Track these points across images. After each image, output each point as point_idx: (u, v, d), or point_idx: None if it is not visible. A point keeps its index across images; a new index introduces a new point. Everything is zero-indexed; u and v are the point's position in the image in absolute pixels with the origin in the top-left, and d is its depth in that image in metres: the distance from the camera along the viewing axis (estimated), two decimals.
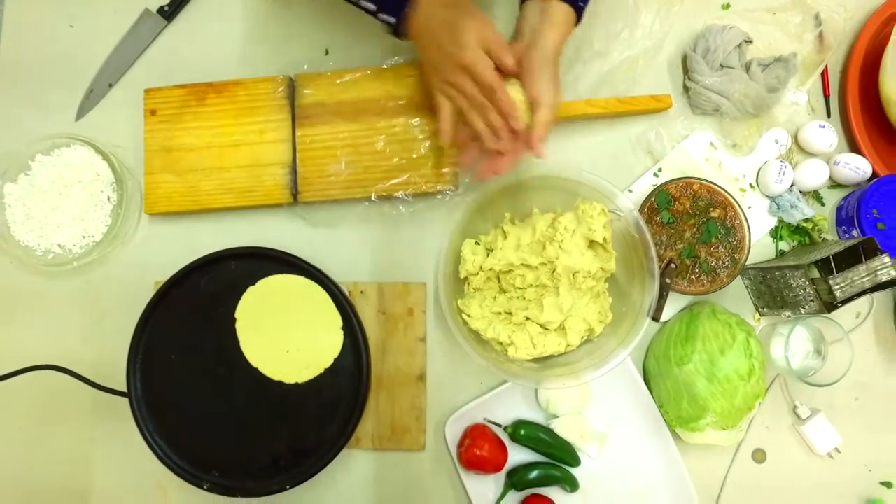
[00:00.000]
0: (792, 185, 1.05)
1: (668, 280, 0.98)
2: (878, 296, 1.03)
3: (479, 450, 0.96)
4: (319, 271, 0.96)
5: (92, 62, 1.08)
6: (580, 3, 0.90)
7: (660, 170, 1.06)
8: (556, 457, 0.99)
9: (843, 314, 0.95)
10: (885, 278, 0.91)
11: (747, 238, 1.00)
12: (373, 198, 1.01)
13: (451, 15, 0.84)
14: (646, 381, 1.01)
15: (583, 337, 0.98)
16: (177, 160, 1.04)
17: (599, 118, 1.07)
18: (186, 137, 1.04)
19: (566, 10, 0.89)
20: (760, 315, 1.04)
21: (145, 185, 1.04)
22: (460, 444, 0.98)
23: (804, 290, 0.95)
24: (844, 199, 1.06)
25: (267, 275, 0.96)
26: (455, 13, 0.84)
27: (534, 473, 0.98)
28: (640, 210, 1.00)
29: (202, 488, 0.92)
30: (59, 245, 1.03)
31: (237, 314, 0.96)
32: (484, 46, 0.84)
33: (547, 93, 0.86)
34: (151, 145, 1.04)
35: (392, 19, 0.87)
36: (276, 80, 1.04)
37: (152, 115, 1.04)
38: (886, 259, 0.91)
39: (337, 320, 0.95)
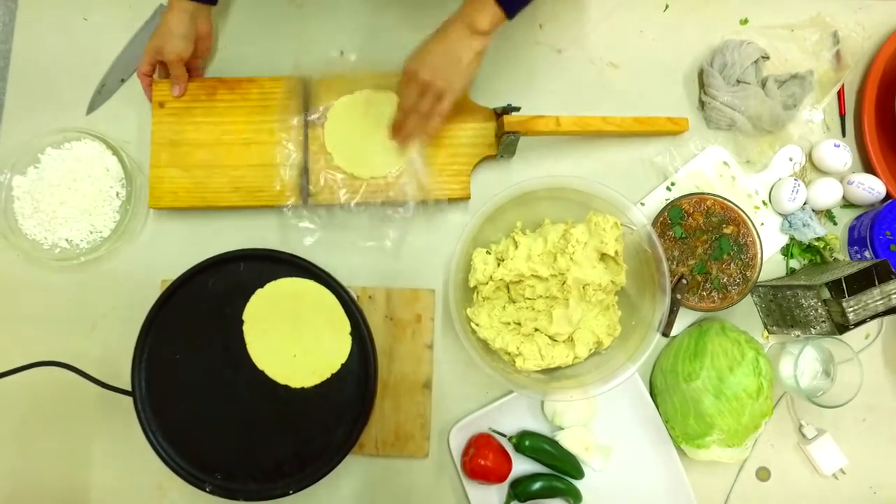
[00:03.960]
0: (805, 204, 1.04)
1: (678, 296, 0.97)
2: (889, 317, 1.03)
3: (483, 459, 0.95)
4: (329, 275, 0.95)
5: (105, 56, 1.08)
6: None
7: (672, 184, 1.06)
8: (560, 469, 0.99)
9: (852, 335, 0.95)
10: None
11: (759, 256, 0.99)
12: (384, 202, 1.01)
13: None
14: (652, 395, 1.01)
15: (591, 349, 0.98)
16: (184, 155, 1.02)
17: (614, 135, 1.06)
18: (195, 133, 1.03)
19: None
20: (769, 333, 1.04)
21: (150, 179, 1.02)
22: (464, 453, 0.98)
23: (815, 310, 0.94)
24: (857, 219, 1.06)
25: (276, 277, 0.95)
26: None
27: (537, 485, 0.97)
28: (653, 224, 0.99)
29: (204, 490, 0.91)
30: (67, 240, 1.02)
31: (245, 316, 0.95)
32: None
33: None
34: (159, 138, 1.02)
35: None
36: (290, 80, 1.04)
37: (160, 107, 1.03)
38: None
39: (345, 325, 0.94)
